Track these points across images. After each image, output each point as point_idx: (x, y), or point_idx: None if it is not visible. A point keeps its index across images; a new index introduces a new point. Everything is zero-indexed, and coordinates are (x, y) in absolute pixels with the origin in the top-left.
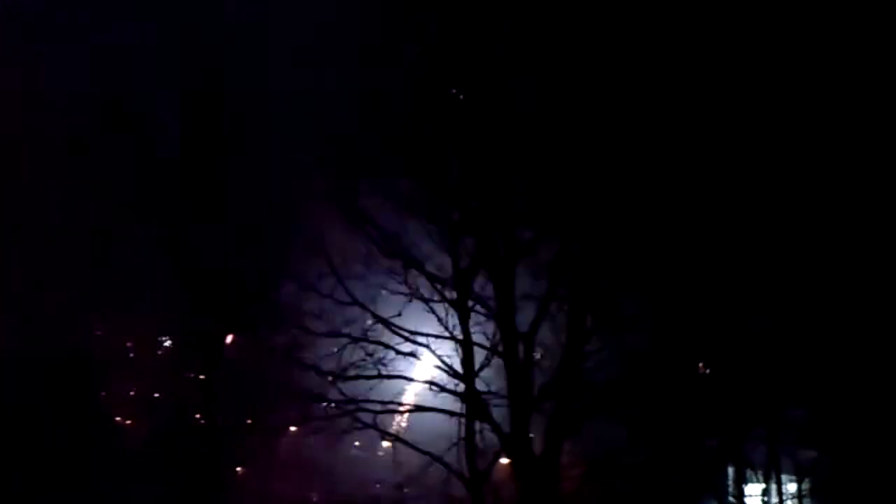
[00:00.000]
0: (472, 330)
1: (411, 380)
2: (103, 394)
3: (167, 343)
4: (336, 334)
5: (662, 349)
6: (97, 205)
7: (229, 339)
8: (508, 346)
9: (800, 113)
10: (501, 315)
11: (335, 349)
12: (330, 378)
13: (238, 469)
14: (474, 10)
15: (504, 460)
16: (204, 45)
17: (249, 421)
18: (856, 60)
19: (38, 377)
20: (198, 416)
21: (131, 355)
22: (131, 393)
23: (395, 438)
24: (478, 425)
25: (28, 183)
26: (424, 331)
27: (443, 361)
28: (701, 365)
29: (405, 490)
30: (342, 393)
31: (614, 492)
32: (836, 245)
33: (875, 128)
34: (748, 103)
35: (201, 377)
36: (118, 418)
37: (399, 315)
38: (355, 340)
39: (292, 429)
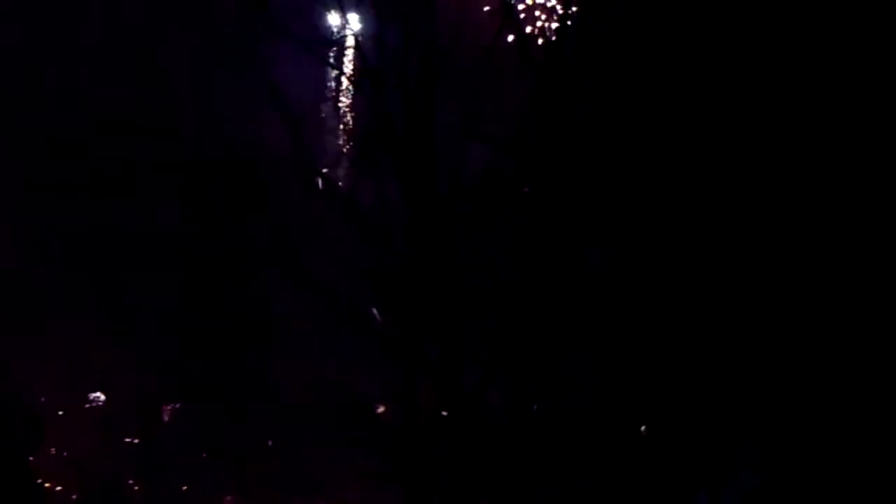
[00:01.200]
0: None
1: (354, 441)
2: (31, 458)
3: (102, 404)
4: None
5: (607, 411)
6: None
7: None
8: (453, 408)
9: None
10: (446, 377)
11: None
12: (270, 443)
13: None
14: None
15: None
16: None
17: (185, 488)
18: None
19: None
20: (131, 482)
21: (63, 415)
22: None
23: None
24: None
25: None
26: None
27: (387, 419)
28: (644, 429)
29: None
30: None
31: None
32: (781, 315)
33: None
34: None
35: (137, 441)
36: (48, 484)
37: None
38: (299, 404)
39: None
